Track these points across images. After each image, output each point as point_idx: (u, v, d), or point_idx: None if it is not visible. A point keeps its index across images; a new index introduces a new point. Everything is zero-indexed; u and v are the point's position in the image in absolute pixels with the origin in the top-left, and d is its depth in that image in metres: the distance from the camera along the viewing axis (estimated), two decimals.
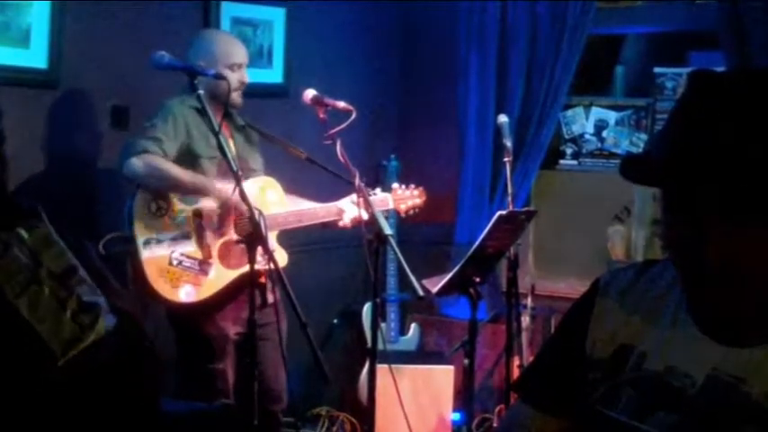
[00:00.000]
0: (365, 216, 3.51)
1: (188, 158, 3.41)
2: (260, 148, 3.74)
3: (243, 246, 3.30)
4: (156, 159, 3.30)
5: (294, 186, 3.76)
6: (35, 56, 3.42)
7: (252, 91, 3.62)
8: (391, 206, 3.78)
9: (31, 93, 3.43)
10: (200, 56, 3.48)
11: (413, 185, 3.89)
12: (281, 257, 3.54)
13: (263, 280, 3.04)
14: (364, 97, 4.82)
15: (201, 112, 3.41)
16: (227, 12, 4.11)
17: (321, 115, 3.45)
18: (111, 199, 3.72)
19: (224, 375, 3.45)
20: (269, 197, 3.53)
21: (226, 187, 3.29)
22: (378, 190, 3.79)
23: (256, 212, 2.86)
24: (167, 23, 3.88)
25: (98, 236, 3.31)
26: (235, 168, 2.92)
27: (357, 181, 3.27)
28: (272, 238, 3.51)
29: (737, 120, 1.16)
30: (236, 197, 3.23)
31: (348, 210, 3.57)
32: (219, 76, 3.32)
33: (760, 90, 1.18)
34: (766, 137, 1.15)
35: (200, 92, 2.94)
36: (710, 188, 1.17)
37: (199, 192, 3.38)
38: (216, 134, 2.93)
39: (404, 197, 3.83)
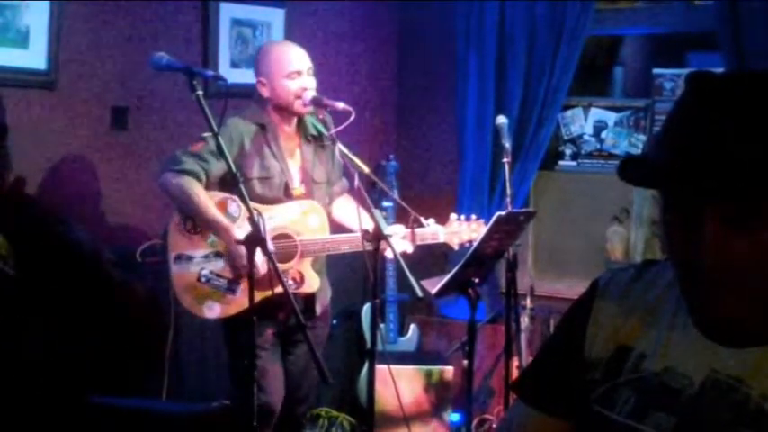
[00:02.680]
0: (410, 250, 3.49)
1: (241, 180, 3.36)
2: (332, 155, 3.65)
3: (273, 270, 3.28)
4: (191, 185, 3.30)
5: None
6: (34, 57, 3.41)
7: (250, 92, 3.62)
8: (442, 240, 3.67)
9: (29, 94, 3.43)
10: (261, 71, 3.47)
11: (474, 216, 3.77)
12: (314, 282, 3.53)
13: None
14: (363, 98, 4.83)
15: (264, 127, 3.42)
16: (226, 12, 4.11)
17: (320, 116, 3.45)
18: (110, 200, 3.73)
19: (264, 372, 3.45)
20: (310, 222, 3.49)
21: (240, 250, 3.24)
22: (431, 221, 3.68)
23: (255, 213, 2.86)
24: (166, 24, 3.88)
25: (97, 238, 3.31)
26: (234, 171, 2.91)
27: (357, 182, 3.27)
28: (305, 264, 3.51)
29: (735, 121, 1.16)
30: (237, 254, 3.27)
31: (394, 244, 3.36)
32: (217, 77, 3.31)
33: (758, 92, 1.18)
34: (764, 138, 1.15)
35: (199, 92, 2.93)
36: (708, 190, 1.17)
37: (217, 234, 3.36)
38: (215, 135, 2.92)
39: (459, 231, 3.71)
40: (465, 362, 3.70)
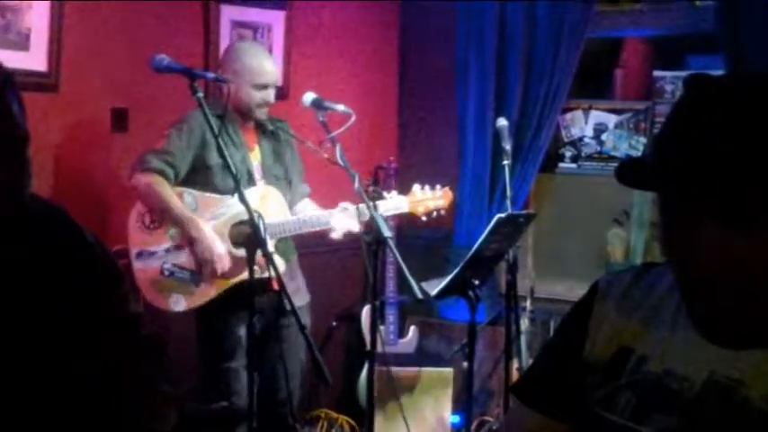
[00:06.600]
0: (355, 228, 3.50)
1: (201, 169, 3.45)
2: (292, 156, 3.72)
3: (236, 256, 3.34)
4: (157, 182, 3.36)
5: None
6: (35, 59, 3.42)
7: None
8: (406, 209, 3.67)
9: (30, 96, 3.42)
10: (228, 69, 3.51)
11: (438, 186, 3.75)
12: (279, 264, 3.54)
13: (275, 287, 3.00)
14: (364, 100, 4.82)
15: (223, 118, 3.44)
16: (227, 14, 4.11)
17: (320, 118, 3.46)
18: (111, 202, 3.73)
19: (237, 375, 3.46)
20: (269, 206, 3.50)
21: (209, 243, 3.34)
22: (393, 193, 3.70)
23: (255, 215, 2.87)
24: (167, 26, 3.88)
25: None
26: (234, 172, 2.93)
27: (357, 184, 3.27)
28: (270, 246, 3.52)
29: (732, 124, 1.16)
30: (203, 248, 3.33)
31: (337, 224, 3.50)
32: (219, 79, 3.34)
33: (756, 94, 1.18)
34: (762, 142, 1.15)
35: (200, 94, 2.95)
36: (704, 192, 1.18)
37: (183, 228, 3.39)
38: (215, 137, 2.94)
39: (422, 199, 3.69)
40: (465, 364, 3.70)
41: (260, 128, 3.61)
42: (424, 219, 3.73)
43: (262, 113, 3.54)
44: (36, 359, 1.48)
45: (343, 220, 3.48)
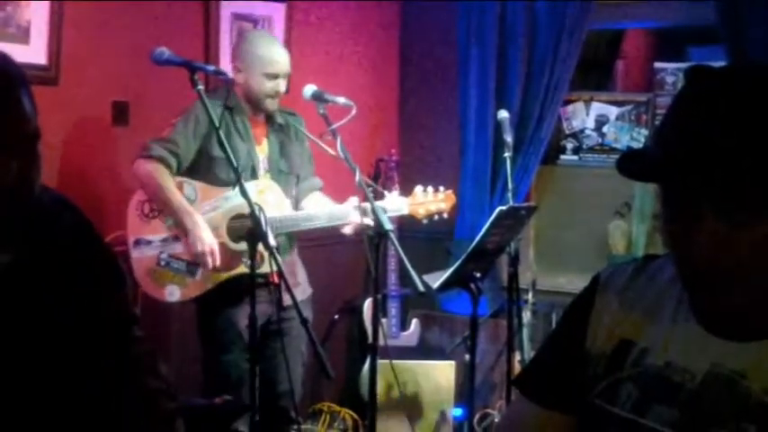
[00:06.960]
0: (370, 222, 3.48)
1: (205, 159, 3.44)
2: (302, 151, 3.70)
3: (233, 250, 3.34)
4: (160, 172, 3.36)
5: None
6: (35, 52, 3.41)
7: None
8: (406, 212, 3.63)
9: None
10: (240, 58, 3.51)
11: (441, 188, 3.71)
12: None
13: (275, 280, 2.99)
14: (365, 92, 4.82)
15: (231, 110, 3.44)
16: (227, 7, 4.10)
17: (321, 111, 3.45)
18: (111, 197, 3.72)
19: (238, 368, 3.45)
20: (267, 200, 3.49)
21: (202, 235, 3.31)
22: (395, 193, 3.69)
23: (256, 208, 2.87)
24: (167, 18, 3.88)
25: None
26: (235, 165, 2.92)
27: (358, 178, 3.26)
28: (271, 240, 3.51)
29: (734, 116, 1.16)
30: (200, 244, 3.31)
31: (352, 218, 3.47)
32: (219, 72, 3.34)
33: (757, 86, 1.18)
34: (763, 133, 1.15)
35: (200, 87, 2.95)
36: (706, 184, 1.17)
37: (179, 219, 3.37)
38: (216, 129, 2.94)
39: (423, 201, 3.65)
40: (467, 357, 3.70)
41: (269, 120, 3.60)
42: (425, 222, 3.70)
43: (272, 104, 3.51)
44: (36, 359, 1.47)
45: (356, 215, 3.46)
